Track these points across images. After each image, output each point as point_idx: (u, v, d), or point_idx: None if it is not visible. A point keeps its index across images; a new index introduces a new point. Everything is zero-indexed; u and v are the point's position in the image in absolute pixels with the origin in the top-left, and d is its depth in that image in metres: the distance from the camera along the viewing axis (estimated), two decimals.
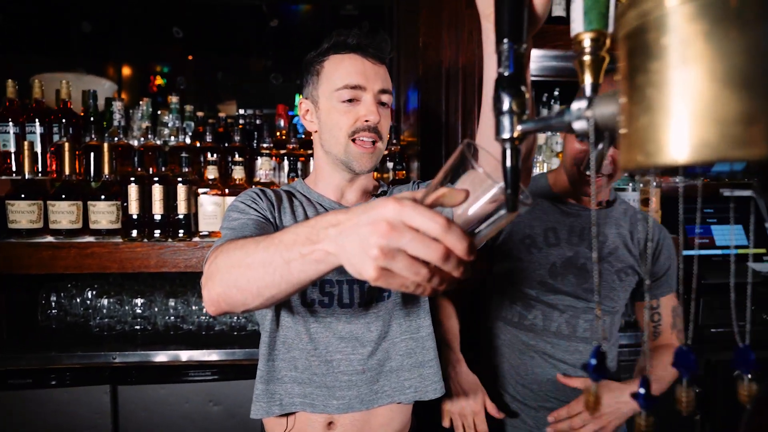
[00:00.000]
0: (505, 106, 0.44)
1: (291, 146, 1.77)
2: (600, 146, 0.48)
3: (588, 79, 0.47)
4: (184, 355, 1.49)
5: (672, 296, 1.20)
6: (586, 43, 0.47)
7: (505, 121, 0.45)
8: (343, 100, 0.93)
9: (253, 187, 1.06)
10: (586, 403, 0.40)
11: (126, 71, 3.21)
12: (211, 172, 1.58)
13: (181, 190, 1.51)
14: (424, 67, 1.59)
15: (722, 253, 1.97)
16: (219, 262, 0.67)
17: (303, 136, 1.87)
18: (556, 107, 2.22)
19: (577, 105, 0.39)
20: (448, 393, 1.08)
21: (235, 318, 1.64)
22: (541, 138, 2.03)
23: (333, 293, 0.93)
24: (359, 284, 0.94)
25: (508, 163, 0.45)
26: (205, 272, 0.70)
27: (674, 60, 0.27)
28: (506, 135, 0.44)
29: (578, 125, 0.39)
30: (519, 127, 0.44)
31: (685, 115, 0.27)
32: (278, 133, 1.87)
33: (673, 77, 0.27)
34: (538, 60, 1.83)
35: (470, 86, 1.60)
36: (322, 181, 1.03)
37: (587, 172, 1.03)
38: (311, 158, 1.78)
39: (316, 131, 1.00)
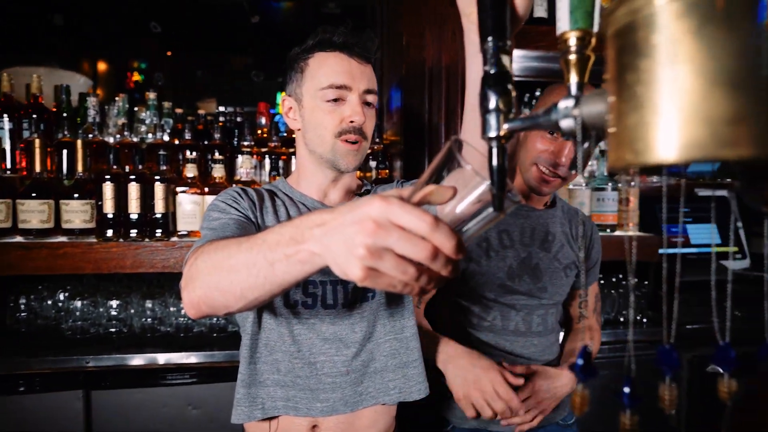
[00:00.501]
0: (492, 104, 0.44)
1: (272, 144, 1.75)
2: (586, 144, 0.48)
3: (573, 78, 0.47)
4: (162, 358, 1.45)
5: (595, 284, 1.35)
6: (572, 42, 0.46)
7: (492, 119, 0.44)
8: (327, 99, 0.92)
9: (234, 186, 1.03)
10: (572, 403, 0.40)
11: (102, 67, 3.12)
12: (190, 171, 1.55)
13: (159, 188, 1.47)
14: (407, 66, 1.59)
15: (697, 252, 2.02)
16: (199, 263, 0.65)
17: (285, 134, 1.85)
18: None
19: (565, 104, 0.39)
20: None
21: (215, 319, 1.61)
22: None
23: (317, 294, 0.91)
24: (343, 285, 0.93)
25: (495, 162, 0.44)
26: (185, 274, 0.68)
27: (663, 58, 0.27)
28: (493, 133, 0.44)
29: (565, 123, 0.39)
30: (506, 126, 0.43)
31: (674, 114, 0.27)
32: (259, 131, 1.85)
33: (662, 76, 0.27)
34: (520, 60, 1.84)
35: (453, 85, 1.60)
36: (305, 180, 1.01)
37: (553, 169, 1.06)
38: (293, 157, 1.76)
39: (299, 129, 0.99)
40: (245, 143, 1.71)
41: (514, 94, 0.44)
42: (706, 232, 2.14)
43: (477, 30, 0.55)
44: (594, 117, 0.37)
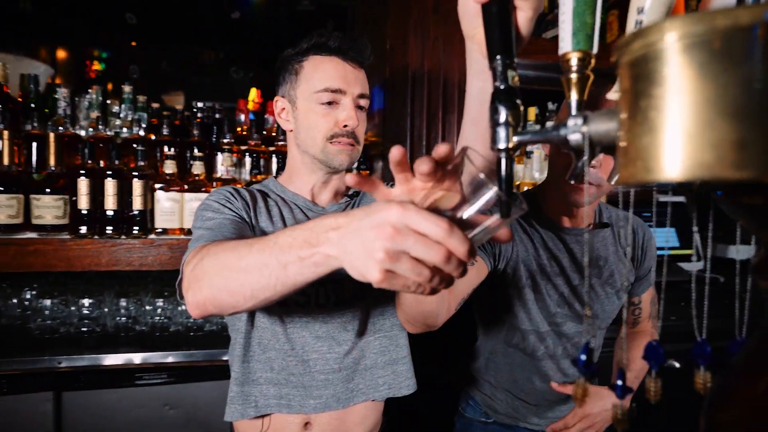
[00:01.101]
0: (502, 118, 0.47)
1: (253, 142, 1.73)
2: (584, 158, 0.52)
3: (574, 96, 0.51)
4: (137, 358, 1.42)
5: (651, 289, 1.26)
6: (573, 62, 0.50)
7: (502, 132, 0.47)
8: (322, 102, 0.94)
9: (227, 185, 1.03)
10: (575, 395, 0.44)
11: (61, 54, 2.98)
12: (169, 167, 1.52)
13: (137, 185, 1.44)
14: (390, 69, 1.61)
15: (659, 254, 2.15)
16: (206, 264, 0.65)
17: (265, 133, 1.84)
18: None
19: (574, 120, 0.43)
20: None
21: (191, 319, 1.59)
22: None
23: (310, 293, 0.93)
24: (336, 284, 0.94)
25: (504, 171, 0.47)
26: (188, 275, 0.68)
27: (673, 88, 0.31)
28: (502, 145, 0.47)
29: (574, 139, 0.42)
30: (515, 138, 0.47)
31: (684, 138, 0.30)
32: (239, 129, 1.83)
33: (672, 103, 0.31)
34: None
35: (435, 91, 1.64)
36: (297, 180, 1.02)
37: (571, 181, 1.02)
38: (274, 155, 1.75)
39: (291, 130, 1.00)
40: (225, 140, 1.69)
41: (521, 108, 0.48)
42: (665, 236, 2.27)
43: (479, 50, 0.58)
44: (601, 134, 0.40)
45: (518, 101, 0.47)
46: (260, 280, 0.59)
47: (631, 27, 0.50)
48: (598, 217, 1.21)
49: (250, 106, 2.02)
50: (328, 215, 0.54)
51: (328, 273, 0.54)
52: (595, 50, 0.50)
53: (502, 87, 0.47)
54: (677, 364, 1.91)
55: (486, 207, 0.49)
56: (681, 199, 2.22)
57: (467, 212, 0.49)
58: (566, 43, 0.50)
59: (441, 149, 0.51)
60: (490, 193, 0.48)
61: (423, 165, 0.51)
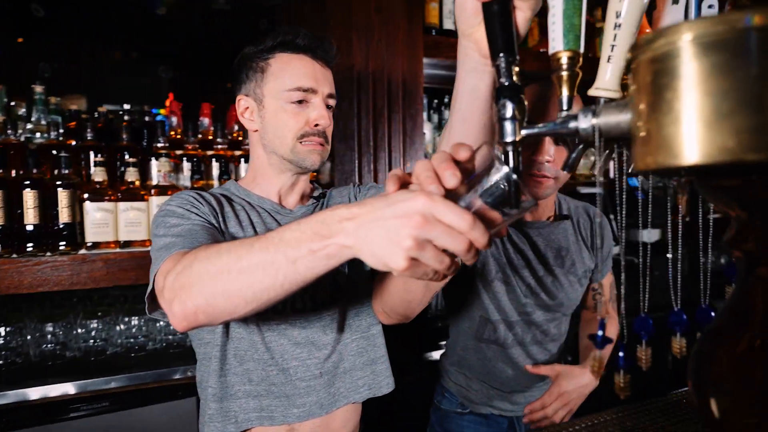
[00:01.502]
0: (509, 113, 0.49)
1: (190, 146, 1.63)
2: (577, 150, 0.55)
3: (565, 92, 0.55)
4: (72, 387, 1.28)
5: (609, 274, 1.34)
6: (564, 61, 0.54)
7: (508, 126, 0.49)
8: (293, 101, 0.91)
9: (188, 190, 0.97)
10: (592, 367, 0.47)
11: None
12: (99, 175, 1.39)
13: (63, 195, 1.30)
14: (335, 70, 1.60)
15: None
16: (195, 270, 0.61)
17: (201, 136, 1.74)
18: (447, 113, 2.40)
19: (584, 114, 0.46)
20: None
21: (132, 339, 1.46)
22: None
23: (286, 299, 0.89)
24: (310, 287, 0.92)
25: (511, 164, 0.50)
26: (169, 285, 0.63)
27: (696, 82, 0.34)
28: (509, 139, 0.49)
29: (584, 132, 0.46)
30: (523, 132, 0.49)
31: (707, 126, 0.34)
32: (172, 132, 1.71)
33: (696, 95, 0.34)
34: (430, 68, 1.96)
35: (380, 90, 1.65)
36: (263, 183, 0.98)
37: (538, 171, 1.03)
38: (213, 159, 1.66)
39: (256, 130, 0.96)
40: (159, 145, 1.57)
41: (526, 103, 0.50)
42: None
43: (476, 48, 0.60)
44: (611, 126, 0.44)
45: (522, 96, 0.50)
46: (264, 280, 0.56)
47: (609, 29, 0.55)
48: (558, 209, 1.27)
49: (163, 111, 1.90)
50: (337, 207, 0.53)
51: (338, 265, 0.53)
52: (582, 50, 0.54)
53: (507, 83, 0.50)
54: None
55: (497, 192, 0.50)
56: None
57: (480, 194, 0.50)
58: (557, 43, 0.54)
59: (463, 154, 0.52)
60: (501, 174, 0.49)
61: (463, 152, 0.51)
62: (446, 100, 2.40)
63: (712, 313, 0.61)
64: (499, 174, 0.48)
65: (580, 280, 1.23)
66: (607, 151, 0.60)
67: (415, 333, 1.78)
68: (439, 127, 2.42)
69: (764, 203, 0.46)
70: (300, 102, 0.91)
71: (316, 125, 0.92)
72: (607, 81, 0.56)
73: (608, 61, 0.55)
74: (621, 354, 0.51)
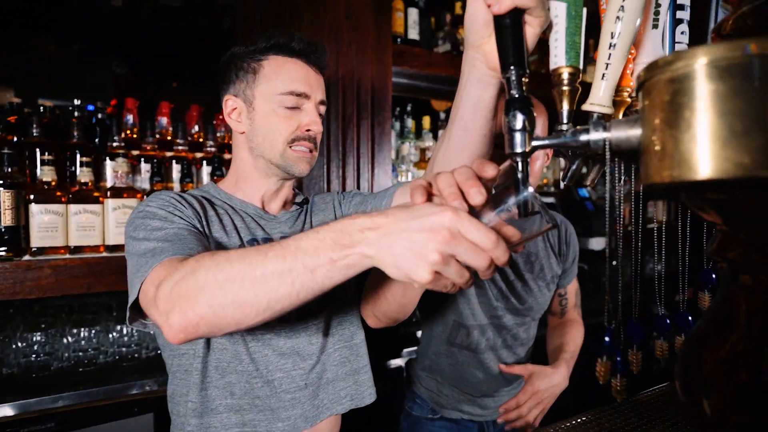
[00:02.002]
0: (519, 124, 0.50)
1: (149, 147, 1.55)
2: (576, 162, 0.58)
3: (565, 106, 0.57)
4: (11, 408, 1.16)
5: (575, 280, 1.38)
6: (565, 76, 0.56)
7: (518, 137, 0.51)
8: (286, 105, 0.89)
9: (166, 190, 0.92)
10: (598, 372, 0.49)
11: None
12: (47, 174, 1.28)
13: (6, 196, 1.19)
14: None
15: None
16: (200, 279, 0.57)
17: (159, 136, 1.65)
18: (409, 121, 2.43)
19: (594, 128, 0.48)
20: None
21: (80, 352, 1.35)
22: (405, 150, 2.20)
23: None
24: None
25: (520, 174, 0.51)
26: (166, 294, 0.59)
27: (713, 102, 0.37)
28: (519, 149, 0.51)
29: (595, 145, 0.47)
30: (533, 143, 0.50)
31: (724, 143, 0.36)
32: (128, 131, 1.61)
33: (712, 115, 0.37)
34: (394, 76, 1.98)
35: (350, 95, 1.64)
36: (247, 187, 0.94)
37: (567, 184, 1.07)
38: (173, 161, 1.58)
39: (243, 132, 0.92)
40: (114, 144, 1.48)
41: (535, 115, 0.52)
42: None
43: (484, 60, 0.61)
44: (622, 140, 0.46)
45: (532, 108, 0.51)
46: (280, 289, 0.54)
47: (604, 48, 0.58)
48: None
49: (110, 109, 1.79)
50: (358, 215, 0.51)
51: (356, 274, 0.52)
52: (581, 66, 0.57)
53: (517, 95, 0.51)
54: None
55: (518, 211, 0.51)
56: (551, 200, 2.57)
57: (501, 211, 0.51)
58: (560, 59, 0.56)
59: (490, 171, 0.53)
60: (524, 194, 0.50)
61: (490, 170, 0.52)
62: (409, 108, 2.43)
63: (690, 318, 0.66)
64: (522, 194, 0.49)
65: (548, 285, 1.28)
66: (598, 165, 0.63)
67: (379, 340, 1.78)
68: (402, 134, 2.44)
69: (747, 216, 0.50)
70: (293, 107, 0.89)
71: (308, 130, 0.90)
72: (600, 97, 0.58)
73: (602, 78, 0.58)
74: (619, 359, 0.53)
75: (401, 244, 0.48)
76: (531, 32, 0.55)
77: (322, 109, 0.94)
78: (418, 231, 0.47)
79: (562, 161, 2.70)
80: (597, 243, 2.47)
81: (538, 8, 0.53)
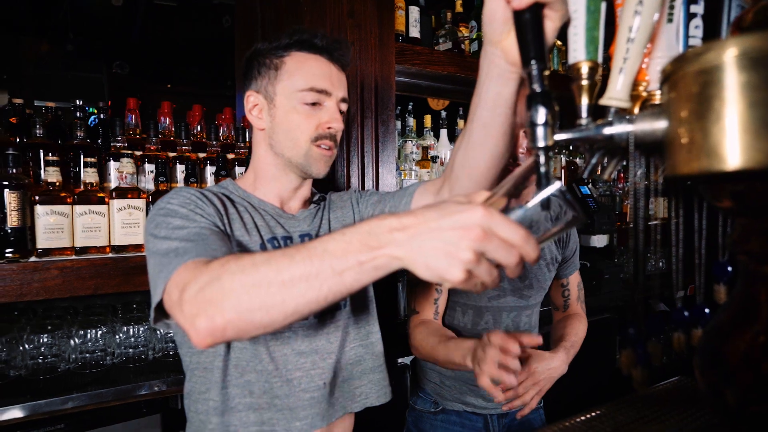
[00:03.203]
0: (541, 118, 0.51)
1: (154, 147, 1.54)
2: (596, 156, 0.58)
3: (585, 101, 0.57)
4: (20, 410, 1.16)
5: (577, 273, 1.39)
6: (585, 70, 0.56)
7: (540, 131, 0.51)
8: (306, 102, 0.88)
9: (186, 186, 0.91)
10: (621, 362, 0.49)
11: None
12: (52, 176, 1.28)
13: (12, 197, 1.18)
14: None
15: None
16: (227, 284, 0.57)
17: (162, 137, 1.65)
18: (410, 119, 2.43)
19: (619, 120, 0.48)
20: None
21: (87, 354, 1.35)
22: (408, 148, 2.20)
23: None
24: None
25: (543, 169, 0.51)
26: (191, 298, 0.58)
27: (743, 93, 0.37)
28: (542, 143, 0.51)
29: (618, 137, 0.48)
30: (556, 137, 0.50)
31: (753, 133, 0.37)
32: (130, 132, 1.60)
33: (744, 106, 0.37)
34: (395, 74, 1.98)
35: (353, 94, 1.64)
36: (266, 185, 0.94)
37: (513, 161, 1.08)
38: (177, 162, 1.58)
39: (263, 129, 0.92)
40: (118, 144, 1.47)
41: (557, 109, 0.52)
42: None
43: (504, 56, 0.61)
44: (647, 133, 0.46)
45: (554, 102, 0.51)
46: (308, 293, 0.53)
47: (622, 42, 0.58)
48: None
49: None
50: (385, 216, 0.51)
51: (384, 276, 0.52)
52: (600, 60, 0.57)
53: (539, 90, 0.51)
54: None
55: (546, 206, 0.51)
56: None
57: (530, 207, 0.51)
58: (579, 53, 0.56)
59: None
60: (553, 188, 0.50)
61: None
62: (410, 107, 2.43)
63: (707, 310, 0.66)
64: (550, 188, 0.49)
65: (548, 266, 1.28)
66: (616, 159, 0.63)
67: (387, 338, 1.78)
68: (403, 133, 2.44)
69: (766, 206, 0.50)
70: (313, 104, 0.89)
71: (329, 128, 0.89)
72: (618, 91, 0.59)
73: (620, 72, 0.59)
74: (640, 350, 0.54)
75: (432, 244, 0.47)
76: (551, 26, 0.55)
77: (344, 106, 0.94)
78: (449, 229, 0.47)
79: (563, 159, 2.71)
80: (599, 240, 2.48)
81: (558, 2, 0.53)
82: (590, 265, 2.43)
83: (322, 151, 0.91)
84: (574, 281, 1.40)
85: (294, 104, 0.89)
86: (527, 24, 0.52)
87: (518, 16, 0.53)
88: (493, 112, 0.65)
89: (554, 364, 1.18)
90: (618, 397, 0.93)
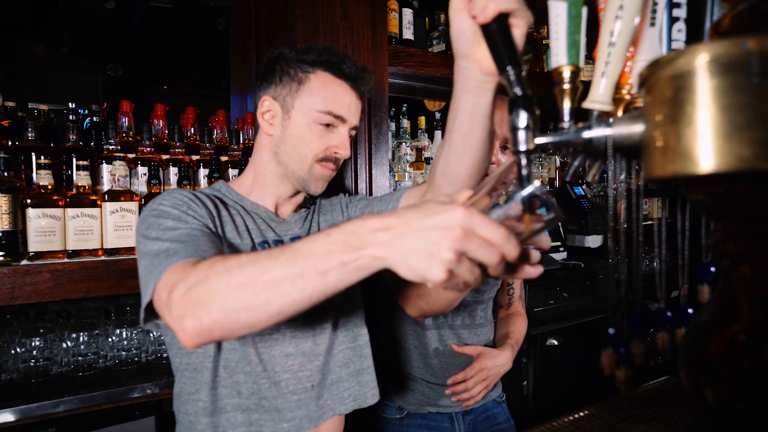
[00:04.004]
0: (523, 122, 0.51)
1: (147, 150, 1.54)
2: (578, 159, 0.59)
3: (567, 104, 0.58)
4: (12, 414, 1.16)
5: None
6: (567, 74, 0.57)
7: (522, 135, 0.52)
8: (321, 122, 0.91)
9: (178, 188, 0.92)
10: (603, 363, 0.50)
11: None
12: (44, 179, 1.28)
13: (3, 200, 1.18)
14: None
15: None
16: (213, 284, 0.57)
17: (155, 139, 1.65)
18: (405, 121, 2.44)
19: (597, 125, 0.49)
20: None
21: (80, 357, 1.34)
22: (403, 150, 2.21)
23: None
24: None
25: (524, 171, 0.52)
26: (179, 299, 0.59)
27: (715, 98, 0.38)
28: (523, 147, 0.52)
29: (597, 141, 0.48)
30: (537, 140, 0.51)
31: (725, 137, 0.37)
32: (123, 135, 1.60)
33: (715, 111, 0.38)
34: (389, 76, 1.98)
35: None
36: (262, 190, 0.96)
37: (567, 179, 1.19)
38: (170, 164, 1.58)
39: (271, 135, 0.93)
40: (110, 147, 1.47)
41: (538, 113, 0.53)
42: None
43: (477, 67, 0.62)
44: (624, 137, 0.47)
45: (535, 106, 0.52)
46: (292, 293, 0.54)
47: (604, 46, 0.59)
48: None
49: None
50: (368, 216, 0.52)
51: (367, 277, 0.53)
52: (582, 65, 0.58)
53: (520, 93, 0.52)
54: (556, 342, 2.19)
55: (525, 206, 0.52)
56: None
57: (510, 208, 0.52)
58: (561, 58, 0.57)
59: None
60: (531, 188, 0.51)
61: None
62: (404, 108, 2.44)
63: (690, 310, 0.67)
64: (530, 188, 0.50)
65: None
66: (598, 162, 0.64)
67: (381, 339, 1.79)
68: (398, 134, 2.45)
69: (743, 209, 0.51)
70: (327, 125, 0.91)
71: (336, 153, 0.92)
72: (601, 95, 0.59)
73: (602, 76, 0.59)
74: (623, 350, 0.54)
75: (414, 244, 0.48)
76: (518, 33, 0.57)
77: (353, 133, 0.96)
78: (431, 229, 0.47)
79: (557, 160, 2.72)
80: (593, 241, 2.49)
81: (521, 9, 0.55)
82: (584, 266, 2.44)
83: (324, 171, 0.93)
84: (518, 281, 1.49)
85: (309, 122, 0.91)
86: (496, 34, 0.54)
87: (486, 28, 0.55)
88: (472, 122, 0.66)
89: (501, 361, 1.27)
90: (613, 397, 0.94)
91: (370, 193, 1.71)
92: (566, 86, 0.57)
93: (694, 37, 0.74)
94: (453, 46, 0.63)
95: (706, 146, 0.38)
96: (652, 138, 0.43)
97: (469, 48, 0.61)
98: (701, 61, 0.38)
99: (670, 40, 0.71)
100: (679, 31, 0.72)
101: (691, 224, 0.72)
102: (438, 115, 2.63)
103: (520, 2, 0.55)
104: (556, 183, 2.70)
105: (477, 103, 0.65)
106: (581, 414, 0.83)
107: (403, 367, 1.32)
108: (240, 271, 0.57)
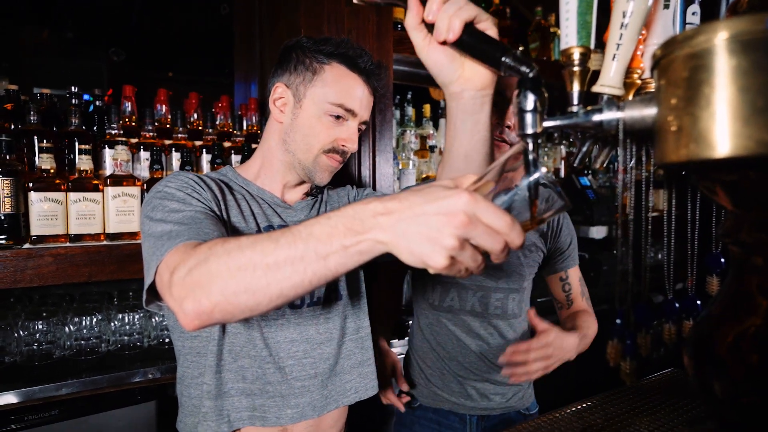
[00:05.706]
0: (530, 105, 0.50)
1: (149, 134, 1.53)
2: (587, 144, 0.57)
3: (576, 87, 0.56)
4: (14, 396, 1.16)
5: (576, 268, 1.34)
6: (576, 56, 0.55)
7: (529, 118, 0.50)
8: (332, 114, 0.90)
9: (184, 171, 0.92)
10: (609, 354, 0.48)
11: None
12: (46, 162, 1.27)
13: (5, 183, 1.17)
14: None
15: None
16: (213, 266, 0.56)
17: (158, 124, 1.63)
18: (409, 109, 2.41)
19: (608, 108, 0.47)
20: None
21: (83, 341, 1.35)
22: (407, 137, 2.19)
23: None
24: None
25: (531, 156, 0.50)
26: (180, 281, 0.58)
27: (734, 78, 0.36)
28: (530, 130, 0.50)
29: (607, 124, 0.47)
30: (544, 124, 0.49)
31: (743, 120, 0.36)
32: (126, 119, 1.59)
33: (734, 92, 0.36)
34: (394, 63, 1.96)
35: None
36: (268, 176, 0.95)
37: (500, 134, 1.08)
38: (173, 149, 1.57)
39: (281, 122, 0.92)
40: (113, 131, 1.46)
41: (546, 95, 0.51)
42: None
43: (468, 86, 0.64)
44: (636, 120, 0.45)
45: (543, 89, 0.50)
46: (293, 276, 0.53)
47: (616, 29, 0.57)
48: None
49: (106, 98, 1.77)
50: (369, 200, 0.51)
51: (369, 261, 0.52)
52: (592, 46, 0.56)
53: (531, 75, 0.50)
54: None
55: (532, 192, 0.50)
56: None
57: (516, 194, 0.50)
58: (571, 39, 0.55)
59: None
60: (537, 175, 0.49)
61: None
62: (409, 96, 2.41)
63: (698, 302, 0.65)
64: (534, 175, 0.49)
65: (524, 252, 1.24)
66: (608, 147, 0.62)
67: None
68: (402, 122, 2.43)
69: (757, 197, 0.50)
70: (337, 118, 0.90)
71: (344, 146, 0.91)
72: (611, 78, 0.57)
73: (613, 59, 0.57)
74: (629, 342, 0.53)
75: (416, 229, 0.47)
76: (492, 32, 0.57)
77: (363, 128, 0.96)
78: (434, 214, 0.46)
79: (563, 150, 2.69)
80: (598, 232, 2.47)
81: (481, 13, 0.55)
82: (589, 257, 2.42)
83: (331, 162, 0.93)
84: (575, 275, 1.34)
85: (320, 113, 0.90)
86: (474, 41, 0.53)
87: (460, 43, 0.54)
88: (472, 138, 0.66)
89: (568, 345, 1.08)
90: (617, 388, 0.93)
91: (374, 180, 1.70)
92: (576, 68, 0.55)
93: (709, 20, 0.72)
94: (438, 80, 0.64)
95: (723, 129, 0.37)
96: (665, 121, 0.41)
97: (453, 73, 0.62)
98: (720, 38, 0.37)
99: (684, 23, 0.69)
100: (694, 13, 0.70)
101: (700, 215, 0.70)
102: (443, 104, 2.60)
103: (478, 8, 0.56)
104: (562, 173, 2.67)
105: (477, 119, 0.65)
106: (584, 405, 0.82)
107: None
108: (240, 253, 0.56)
